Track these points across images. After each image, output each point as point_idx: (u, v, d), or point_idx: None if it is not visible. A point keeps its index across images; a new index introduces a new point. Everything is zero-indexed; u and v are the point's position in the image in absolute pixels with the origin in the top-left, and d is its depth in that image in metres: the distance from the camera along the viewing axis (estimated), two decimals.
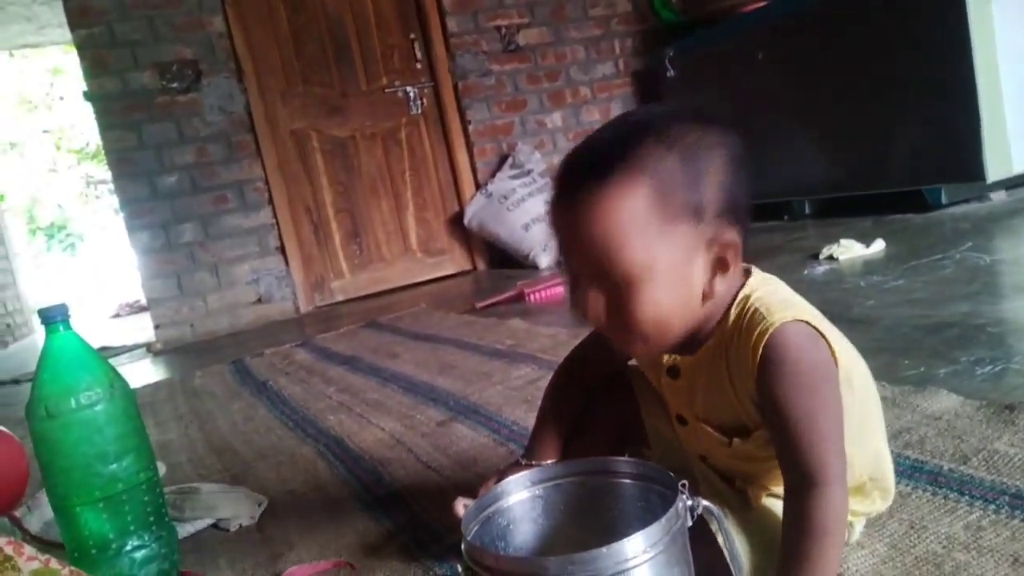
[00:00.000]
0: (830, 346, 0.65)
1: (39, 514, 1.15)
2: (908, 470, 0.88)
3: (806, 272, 2.17)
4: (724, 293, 0.67)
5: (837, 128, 3.06)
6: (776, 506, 0.73)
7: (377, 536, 1.02)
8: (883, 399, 1.08)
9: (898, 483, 0.85)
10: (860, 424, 0.71)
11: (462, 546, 0.59)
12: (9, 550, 0.65)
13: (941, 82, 2.60)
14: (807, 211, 3.32)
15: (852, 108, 2.95)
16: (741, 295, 0.69)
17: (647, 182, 0.61)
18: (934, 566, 0.70)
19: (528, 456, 0.88)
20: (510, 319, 2.39)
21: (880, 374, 1.18)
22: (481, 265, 4.20)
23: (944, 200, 2.68)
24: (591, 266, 0.65)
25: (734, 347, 0.67)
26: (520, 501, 0.69)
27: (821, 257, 2.28)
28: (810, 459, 0.62)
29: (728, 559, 0.58)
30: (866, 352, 0.75)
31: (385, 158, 4.06)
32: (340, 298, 3.99)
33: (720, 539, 0.58)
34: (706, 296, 0.66)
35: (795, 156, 3.23)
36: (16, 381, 3.27)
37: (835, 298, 1.80)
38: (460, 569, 0.57)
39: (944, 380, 1.15)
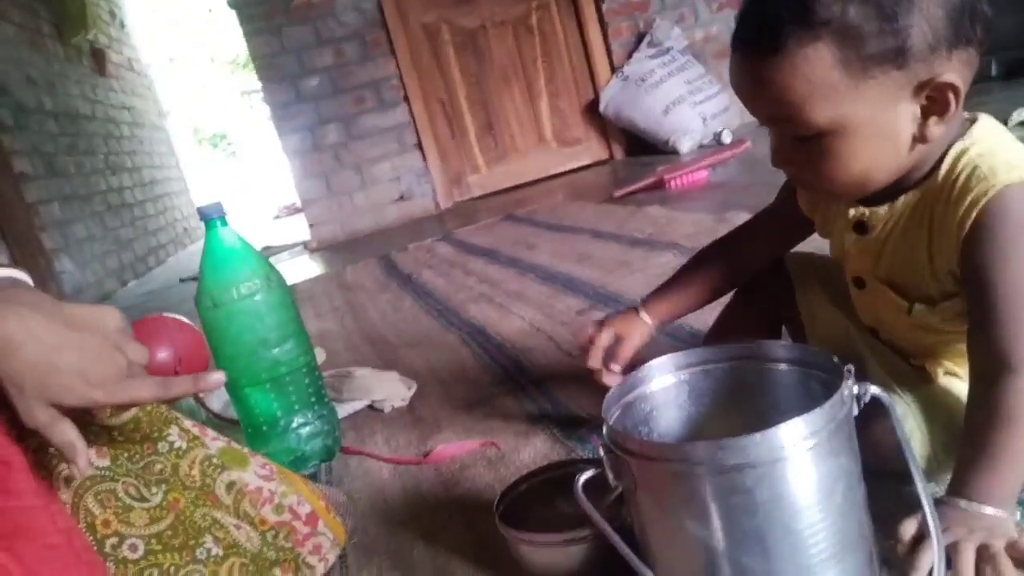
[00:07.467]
0: None
1: (218, 395, 1.27)
2: None
3: None
4: (941, 138, 0.59)
5: None
6: (955, 386, 0.67)
7: (521, 419, 1.04)
8: None
9: None
10: None
11: (603, 430, 0.57)
12: (196, 431, 0.71)
13: None
14: (993, 72, 2.93)
15: None
16: (958, 147, 0.60)
17: (828, 36, 0.54)
18: None
19: (643, 303, 0.88)
20: (649, 207, 2.31)
21: None
22: (618, 154, 4.07)
23: None
24: (776, 121, 0.61)
25: (941, 206, 0.60)
26: (664, 387, 0.66)
27: (1010, 124, 2.01)
28: (1008, 339, 0.55)
29: (903, 451, 0.53)
30: None
31: (516, 45, 3.94)
32: (478, 193, 4.03)
33: (894, 429, 0.53)
34: (917, 140, 0.58)
35: None
36: (194, 278, 3.61)
37: None
38: (603, 453, 0.56)
39: None
